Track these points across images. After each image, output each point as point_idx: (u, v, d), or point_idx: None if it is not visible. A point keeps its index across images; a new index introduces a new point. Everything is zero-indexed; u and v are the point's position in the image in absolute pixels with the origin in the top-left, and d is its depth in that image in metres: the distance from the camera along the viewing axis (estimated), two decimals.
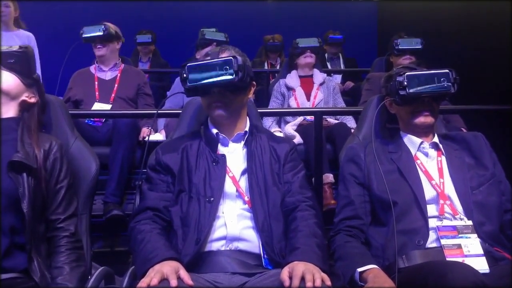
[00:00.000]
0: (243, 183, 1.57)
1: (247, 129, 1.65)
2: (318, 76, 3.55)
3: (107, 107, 3.07)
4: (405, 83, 1.65)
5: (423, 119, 1.67)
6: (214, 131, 1.63)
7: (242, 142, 1.64)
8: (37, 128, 1.57)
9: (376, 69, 3.94)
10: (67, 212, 1.52)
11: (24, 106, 1.58)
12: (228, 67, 1.51)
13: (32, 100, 1.59)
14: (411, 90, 1.64)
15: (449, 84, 1.65)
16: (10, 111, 1.56)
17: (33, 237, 1.42)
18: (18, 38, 3.80)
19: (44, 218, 1.49)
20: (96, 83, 3.18)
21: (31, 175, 1.44)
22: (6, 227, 1.39)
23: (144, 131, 2.94)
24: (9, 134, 1.51)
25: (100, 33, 3.15)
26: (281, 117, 3.42)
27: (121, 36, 3.29)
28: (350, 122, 3.31)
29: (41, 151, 1.50)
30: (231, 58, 1.52)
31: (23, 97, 1.58)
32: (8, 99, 1.55)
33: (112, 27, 3.23)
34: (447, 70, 1.66)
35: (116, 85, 3.18)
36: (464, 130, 2.97)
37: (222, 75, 1.51)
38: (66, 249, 1.47)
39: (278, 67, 5.07)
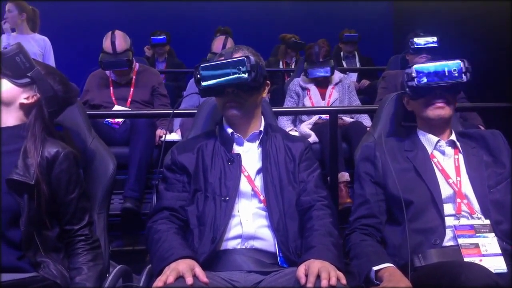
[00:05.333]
0: (259, 182, 1.57)
1: (262, 128, 1.66)
2: (335, 75, 3.50)
3: None
4: (413, 74, 1.62)
5: (438, 111, 1.63)
6: (229, 130, 1.63)
7: (257, 142, 1.64)
8: (45, 132, 1.47)
9: (392, 67, 3.92)
10: (81, 222, 1.50)
11: (27, 109, 1.48)
12: (241, 67, 1.51)
13: (33, 99, 1.48)
14: (420, 81, 1.61)
15: (461, 74, 1.60)
16: (10, 119, 1.47)
17: (34, 248, 1.39)
18: (35, 42, 3.87)
19: (58, 226, 1.47)
20: (112, 88, 3.18)
21: (30, 191, 1.38)
22: (15, 241, 1.37)
23: (159, 133, 2.97)
24: (11, 144, 1.43)
25: (124, 69, 3.12)
26: (296, 116, 3.41)
27: (132, 47, 3.23)
28: (366, 120, 3.28)
29: (44, 159, 1.42)
30: (244, 58, 1.52)
31: (21, 100, 1.47)
32: (4, 106, 1.46)
33: (129, 48, 3.14)
34: (458, 61, 1.62)
35: (132, 89, 3.18)
36: (482, 128, 2.93)
37: (235, 75, 1.52)
38: (83, 250, 1.48)
39: (293, 66, 5.06)
